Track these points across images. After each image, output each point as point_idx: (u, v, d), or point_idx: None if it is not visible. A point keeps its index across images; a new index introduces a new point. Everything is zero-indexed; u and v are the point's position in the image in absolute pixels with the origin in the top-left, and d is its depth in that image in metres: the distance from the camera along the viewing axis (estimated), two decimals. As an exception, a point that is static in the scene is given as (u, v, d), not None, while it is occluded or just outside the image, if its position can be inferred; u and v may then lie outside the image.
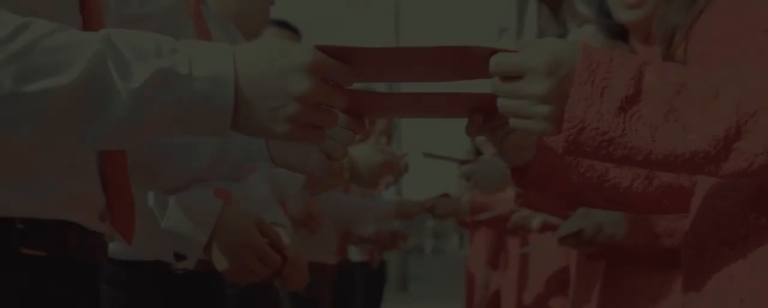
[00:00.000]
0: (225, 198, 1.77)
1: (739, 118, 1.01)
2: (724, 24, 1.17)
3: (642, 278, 1.96)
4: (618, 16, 2.07)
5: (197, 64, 1.04)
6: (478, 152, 4.65)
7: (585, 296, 2.51)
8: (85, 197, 1.18)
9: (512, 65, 1.07)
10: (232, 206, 1.75)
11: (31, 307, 1.11)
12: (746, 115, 1.01)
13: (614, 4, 2.07)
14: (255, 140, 1.38)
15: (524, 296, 3.86)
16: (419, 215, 4.13)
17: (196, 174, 1.45)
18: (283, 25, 3.17)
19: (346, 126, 1.24)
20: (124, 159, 1.28)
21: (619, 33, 2.16)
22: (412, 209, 4.04)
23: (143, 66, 1.02)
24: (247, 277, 1.71)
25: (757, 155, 1.01)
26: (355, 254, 4.95)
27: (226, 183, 1.44)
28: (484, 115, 1.23)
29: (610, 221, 1.95)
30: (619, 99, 1.03)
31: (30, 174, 1.11)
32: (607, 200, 1.37)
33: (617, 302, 1.99)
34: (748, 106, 1.01)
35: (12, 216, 1.09)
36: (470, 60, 1.09)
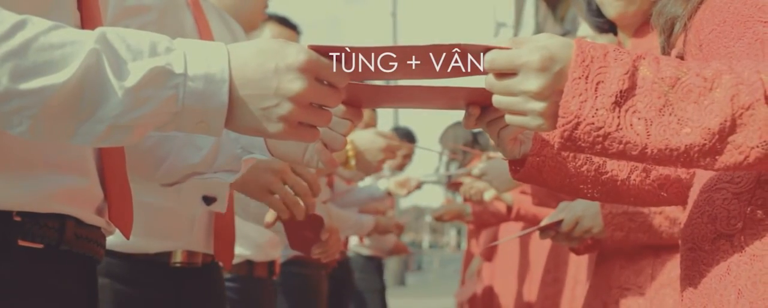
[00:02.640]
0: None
1: (733, 111, 1.01)
2: (722, 15, 1.17)
3: (631, 274, 1.95)
4: (607, 10, 2.08)
5: (192, 63, 1.04)
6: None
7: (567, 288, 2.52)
8: (82, 191, 1.19)
9: (506, 62, 1.07)
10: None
11: (28, 299, 1.11)
12: (741, 108, 1.00)
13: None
14: None
15: (523, 287, 3.88)
16: (391, 232, 4.29)
17: (194, 167, 1.45)
18: (284, 21, 3.16)
19: (343, 116, 1.24)
20: (121, 154, 1.29)
21: (606, 29, 2.18)
22: (388, 227, 4.20)
23: (138, 65, 1.02)
24: (276, 205, 1.68)
25: (752, 148, 1.01)
26: (362, 248, 5.06)
27: (224, 176, 1.44)
28: (480, 107, 1.24)
29: (588, 215, 1.94)
30: (614, 94, 1.03)
31: (28, 168, 1.11)
32: (604, 192, 1.37)
33: (605, 297, 1.99)
34: (742, 99, 1.00)
35: (9, 209, 1.09)
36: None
